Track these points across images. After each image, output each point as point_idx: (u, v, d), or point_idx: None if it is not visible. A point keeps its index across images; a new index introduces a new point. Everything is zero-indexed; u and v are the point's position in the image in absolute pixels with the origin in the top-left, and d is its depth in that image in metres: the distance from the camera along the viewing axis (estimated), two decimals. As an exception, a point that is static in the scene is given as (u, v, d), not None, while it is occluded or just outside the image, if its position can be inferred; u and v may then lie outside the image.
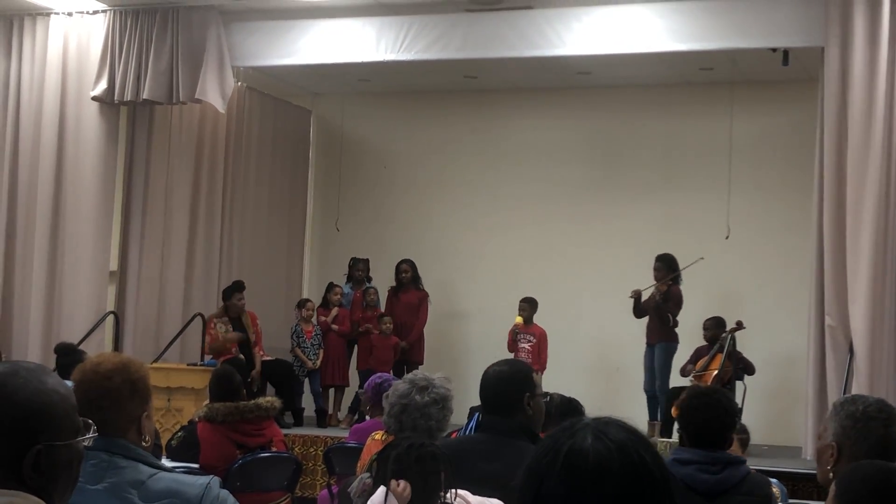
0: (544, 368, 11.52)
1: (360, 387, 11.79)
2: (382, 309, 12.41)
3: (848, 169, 9.54)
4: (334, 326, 12.16)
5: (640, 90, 12.98)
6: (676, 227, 12.64)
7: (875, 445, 3.27)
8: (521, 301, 11.80)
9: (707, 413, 4.17)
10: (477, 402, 6.64)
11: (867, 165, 9.47)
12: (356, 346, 12.37)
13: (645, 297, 11.35)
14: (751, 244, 12.37)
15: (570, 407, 6.55)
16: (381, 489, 3.67)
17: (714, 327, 10.92)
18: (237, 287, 11.53)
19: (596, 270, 12.92)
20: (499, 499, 3.88)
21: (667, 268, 11.26)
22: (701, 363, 10.68)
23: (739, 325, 10.79)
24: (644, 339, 11.36)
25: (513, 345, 11.64)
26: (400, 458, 3.75)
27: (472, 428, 6.12)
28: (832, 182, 9.61)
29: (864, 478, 2.85)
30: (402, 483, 3.65)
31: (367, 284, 12.55)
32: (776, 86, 12.30)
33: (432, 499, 3.70)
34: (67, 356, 8.55)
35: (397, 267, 12.47)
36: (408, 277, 12.42)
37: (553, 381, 11.43)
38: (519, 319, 11.71)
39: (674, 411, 7.75)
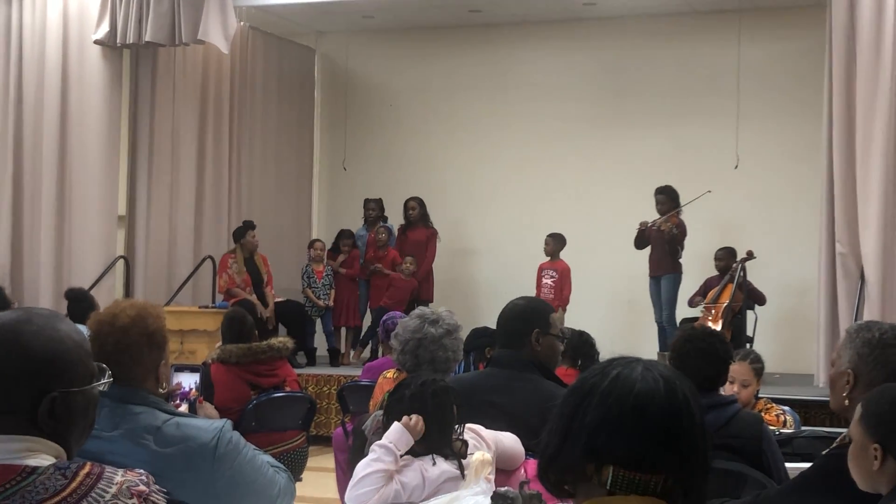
0: (566, 304, 11.51)
1: (372, 324, 11.89)
2: (393, 246, 12.41)
3: (857, 94, 9.47)
4: (342, 270, 12.18)
5: (647, 20, 12.86)
6: (685, 158, 12.58)
7: (893, 372, 3.25)
8: (546, 236, 11.77)
9: (700, 360, 4.12)
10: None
11: (877, 90, 9.40)
12: (369, 284, 12.38)
13: (650, 225, 11.34)
14: (760, 173, 12.31)
15: (580, 340, 6.56)
16: (396, 424, 3.68)
17: (726, 257, 10.91)
18: (248, 226, 11.55)
19: (605, 203, 12.88)
20: (510, 432, 3.90)
21: (671, 199, 11.23)
22: (712, 294, 10.68)
23: (750, 255, 10.77)
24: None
25: (537, 280, 11.62)
26: (415, 396, 3.75)
27: (462, 368, 6.15)
28: (842, 108, 9.54)
29: (893, 399, 2.84)
30: (415, 417, 3.66)
31: (382, 223, 12.51)
32: (784, 12, 12.17)
33: (447, 433, 3.71)
34: (78, 302, 8.58)
35: (405, 204, 12.44)
36: (415, 215, 12.39)
37: (567, 315, 11.49)
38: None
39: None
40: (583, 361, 6.35)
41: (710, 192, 11.32)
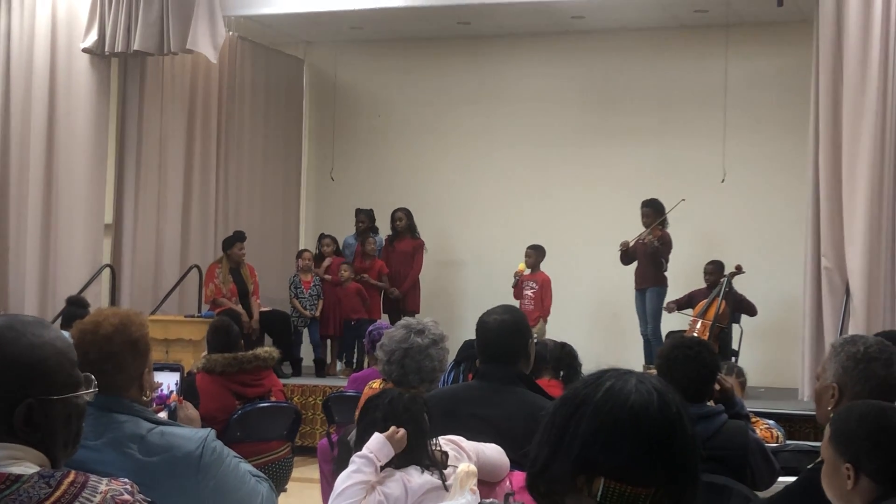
0: (548, 315, 11.53)
1: (345, 337, 11.97)
2: (379, 257, 12.40)
3: (844, 109, 9.50)
4: (327, 276, 12.15)
5: (635, 34, 12.89)
6: (672, 171, 12.61)
7: (877, 386, 3.27)
8: (527, 248, 11.78)
9: (687, 367, 4.11)
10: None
11: (863, 106, 9.43)
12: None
13: (631, 244, 11.35)
14: (747, 187, 12.35)
15: (563, 352, 6.56)
16: (376, 435, 3.67)
17: (715, 271, 10.91)
18: (238, 237, 11.51)
19: (592, 216, 12.90)
20: (495, 444, 3.89)
21: (656, 212, 11.25)
22: (700, 307, 10.69)
23: (739, 270, 10.78)
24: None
25: (518, 292, 11.63)
26: (388, 416, 3.73)
27: (451, 378, 6.13)
28: (828, 123, 9.57)
29: (860, 417, 2.86)
30: (400, 430, 3.65)
31: (372, 234, 12.50)
32: (771, 27, 12.22)
33: (423, 443, 3.70)
34: (77, 307, 8.60)
35: (392, 215, 12.44)
36: (402, 225, 12.38)
37: (551, 327, 11.49)
38: (521, 266, 11.70)
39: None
40: (566, 372, 6.35)
41: (684, 200, 11.33)
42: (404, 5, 10.95)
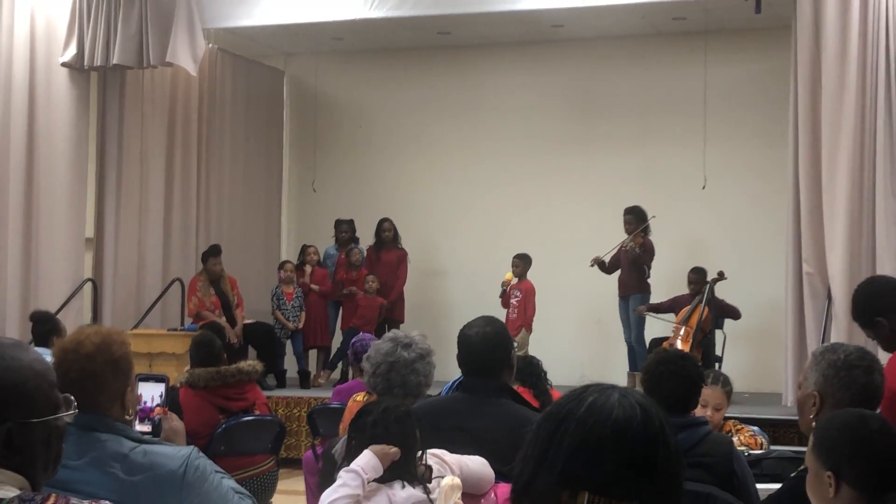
0: (530, 324, 11.49)
1: (342, 346, 11.85)
2: (363, 267, 12.38)
3: (823, 115, 9.54)
4: (314, 287, 12.13)
5: (614, 42, 12.93)
6: (654, 179, 12.64)
7: (858, 394, 3.29)
8: (513, 257, 11.77)
9: (672, 382, 4.14)
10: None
11: (842, 111, 9.47)
12: (341, 306, 12.34)
13: (608, 256, 11.36)
14: (727, 193, 12.38)
15: (525, 362, 6.55)
16: (366, 451, 3.66)
17: (698, 280, 10.91)
18: (213, 252, 11.49)
19: (574, 224, 12.91)
20: (480, 456, 3.88)
21: (638, 220, 11.27)
22: (683, 314, 10.71)
23: (721, 276, 10.80)
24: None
25: (505, 301, 11.62)
26: (377, 423, 3.73)
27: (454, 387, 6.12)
28: (807, 129, 9.61)
29: (842, 425, 2.88)
30: (394, 449, 3.65)
31: (354, 245, 12.49)
32: (750, 34, 12.26)
33: (411, 458, 3.70)
34: (43, 324, 8.50)
35: (380, 225, 12.43)
36: (390, 236, 12.39)
37: (536, 334, 11.49)
38: (508, 276, 11.68)
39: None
40: (532, 382, 6.35)
41: (654, 216, 11.34)
42: (384, 16, 10.94)
